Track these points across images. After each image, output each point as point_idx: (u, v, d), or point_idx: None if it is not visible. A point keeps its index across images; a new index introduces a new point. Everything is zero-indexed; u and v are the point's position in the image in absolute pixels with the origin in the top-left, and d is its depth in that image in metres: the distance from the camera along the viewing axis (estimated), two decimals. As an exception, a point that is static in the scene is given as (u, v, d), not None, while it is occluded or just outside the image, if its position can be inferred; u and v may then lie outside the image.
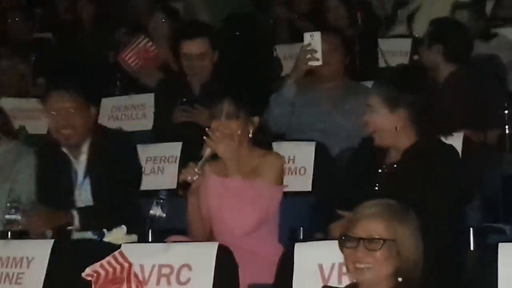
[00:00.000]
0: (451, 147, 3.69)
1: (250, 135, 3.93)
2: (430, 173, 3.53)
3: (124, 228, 4.00)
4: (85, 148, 4.27)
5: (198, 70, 5.03)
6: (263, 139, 4.00)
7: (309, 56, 4.74)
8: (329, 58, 4.99)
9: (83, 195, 4.25)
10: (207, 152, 3.87)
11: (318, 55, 4.74)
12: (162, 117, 5.14)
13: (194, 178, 3.83)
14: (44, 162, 4.37)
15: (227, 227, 3.80)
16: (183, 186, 3.87)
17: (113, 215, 4.09)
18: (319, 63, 4.77)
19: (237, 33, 6.24)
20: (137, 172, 4.38)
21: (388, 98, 3.62)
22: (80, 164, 4.28)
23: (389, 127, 3.62)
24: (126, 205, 4.18)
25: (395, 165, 3.65)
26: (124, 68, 6.42)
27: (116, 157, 4.22)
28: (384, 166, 3.67)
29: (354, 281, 2.96)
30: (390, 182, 3.60)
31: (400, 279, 2.87)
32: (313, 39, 4.74)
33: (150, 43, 6.36)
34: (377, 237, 2.86)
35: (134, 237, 3.99)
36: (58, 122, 4.21)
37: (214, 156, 3.89)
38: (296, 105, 4.97)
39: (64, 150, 4.29)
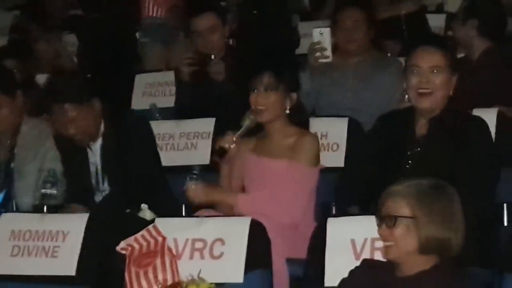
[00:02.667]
0: (479, 117, 3.68)
1: (287, 111, 3.93)
2: (462, 143, 3.52)
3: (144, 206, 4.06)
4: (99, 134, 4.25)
5: (210, 44, 4.99)
6: (300, 117, 3.99)
7: (318, 54, 4.73)
8: (352, 35, 4.96)
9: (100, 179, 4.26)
10: (246, 122, 3.90)
11: (328, 52, 4.73)
12: (184, 94, 5.12)
13: (232, 146, 3.87)
14: (63, 149, 4.34)
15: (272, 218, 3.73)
16: (219, 153, 3.91)
17: (131, 198, 4.09)
18: (329, 59, 4.76)
19: (254, 12, 6.21)
20: (153, 153, 4.35)
21: (452, 62, 3.64)
22: (96, 146, 4.26)
23: (448, 90, 3.63)
24: (151, 189, 4.18)
25: (424, 138, 3.63)
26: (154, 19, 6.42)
27: (130, 140, 4.18)
28: (413, 142, 3.64)
29: None
30: (421, 158, 3.59)
31: (436, 258, 2.89)
32: (322, 35, 4.72)
33: None
34: (393, 214, 2.90)
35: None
36: (73, 130, 4.15)
37: (250, 133, 3.91)
38: (323, 85, 4.96)
39: None
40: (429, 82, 3.62)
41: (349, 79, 4.97)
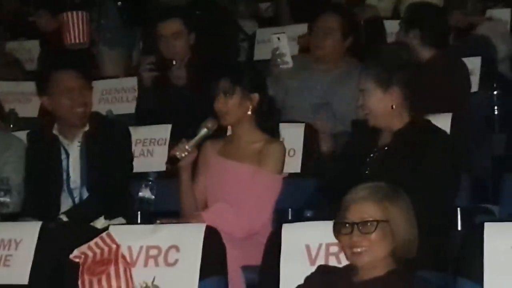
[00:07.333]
0: (443, 131, 3.71)
1: (249, 113, 3.91)
2: (421, 156, 3.54)
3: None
4: (81, 132, 4.26)
5: (174, 50, 5.00)
6: (268, 122, 3.97)
7: (278, 60, 4.74)
8: (322, 41, 4.96)
9: (72, 178, 4.24)
10: (202, 132, 3.87)
11: (287, 58, 4.75)
12: (146, 100, 5.11)
13: (183, 155, 3.83)
14: (34, 145, 4.36)
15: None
16: (171, 161, 3.87)
17: (108, 204, 4.11)
18: (290, 65, 4.78)
19: (198, 12, 6.22)
20: (131, 160, 4.39)
21: (380, 79, 3.65)
22: (74, 146, 4.26)
23: (385, 107, 3.65)
24: (122, 192, 4.18)
25: (386, 148, 3.67)
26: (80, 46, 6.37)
27: (113, 145, 4.23)
28: (375, 150, 3.68)
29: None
30: (380, 166, 3.62)
31: (397, 260, 2.90)
32: (280, 41, 4.74)
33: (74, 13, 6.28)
34: (370, 219, 2.88)
35: (121, 219, 4.00)
36: (73, 100, 4.20)
37: (211, 136, 3.89)
38: (290, 88, 4.96)
39: (55, 132, 4.28)
40: (363, 105, 3.70)
41: (317, 86, 4.96)
